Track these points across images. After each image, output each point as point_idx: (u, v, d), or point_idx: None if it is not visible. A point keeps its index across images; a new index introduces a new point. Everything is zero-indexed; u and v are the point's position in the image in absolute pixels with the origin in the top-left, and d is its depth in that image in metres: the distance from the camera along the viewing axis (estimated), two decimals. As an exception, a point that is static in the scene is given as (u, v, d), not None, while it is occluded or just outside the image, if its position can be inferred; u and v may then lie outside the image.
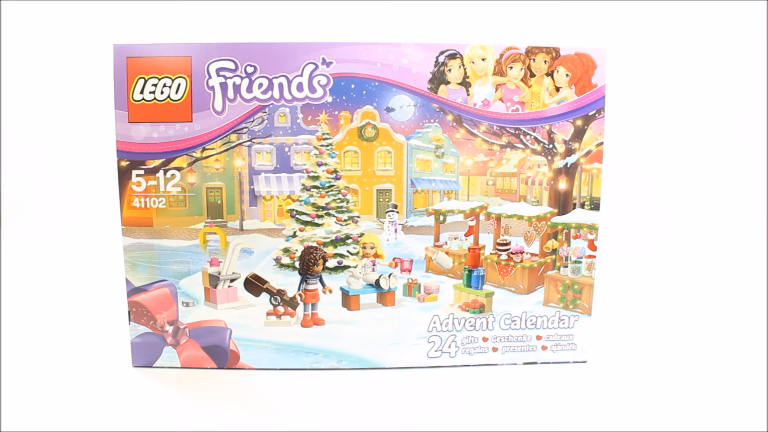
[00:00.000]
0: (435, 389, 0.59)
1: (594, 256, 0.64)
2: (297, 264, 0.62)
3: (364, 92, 0.59)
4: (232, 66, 0.58)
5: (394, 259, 0.63)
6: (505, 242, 0.64)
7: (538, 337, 0.64)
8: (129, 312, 0.62)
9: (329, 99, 0.59)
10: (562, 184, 0.62)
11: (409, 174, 0.63)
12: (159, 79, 0.58)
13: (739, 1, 1.02)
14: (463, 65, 0.60)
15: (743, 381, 0.61)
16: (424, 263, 0.63)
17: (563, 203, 0.63)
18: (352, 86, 0.59)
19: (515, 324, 0.64)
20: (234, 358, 0.62)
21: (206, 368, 0.63)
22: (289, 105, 0.59)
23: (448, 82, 0.60)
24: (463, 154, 0.62)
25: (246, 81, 0.58)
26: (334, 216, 0.62)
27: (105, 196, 0.85)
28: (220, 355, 0.62)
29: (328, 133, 0.60)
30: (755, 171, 1.07)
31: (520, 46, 0.60)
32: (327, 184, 0.62)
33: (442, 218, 0.63)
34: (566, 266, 0.64)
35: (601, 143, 0.62)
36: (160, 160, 0.59)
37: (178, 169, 0.60)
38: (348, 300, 0.63)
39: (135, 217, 0.60)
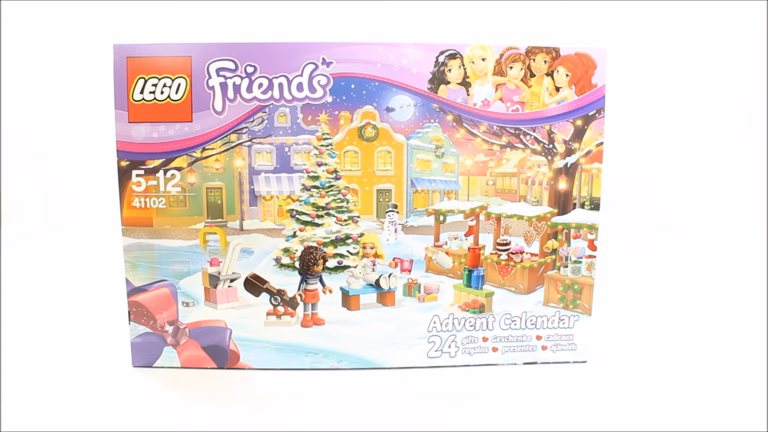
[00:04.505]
0: (435, 389, 0.59)
1: (594, 256, 0.64)
2: (297, 264, 0.62)
3: (364, 92, 0.59)
4: (232, 66, 0.58)
5: (394, 259, 0.63)
6: (505, 242, 0.64)
7: (538, 337, 0.64)
8: (129, 312, 0.62)
9: (329, 99, 0.59)
10: (562, 184, 0.62)
11: (409, 174, 0.63)
12: (159, 79, 0.58)
13: (739, 1, 1.02)
14: (463, 65, 0.60)
15: (743, 381, 0.61)
16: (424, 263, 0.63)
17: (563, 203, 0.63)
18: (352, 86, 0.59)
19: (515, 324, 0.64)
20: (234, 358, 0.62)
21: (206, 368, 0.63)
22: (289, 105, 0.59)
23: (448, 82, 0.60)
24: (463, 154, 0.62)
25: (246, 81, 0.58)
26: (334, 216, 0.62)
27: (105, 196, 0.85)
28: (220, 355, 0.62)
29: (328, 133, 0.60)
30: (755, 171, 1.07)
31: (520, 46, 0.60)
32: (327, 184, 0.62)
33: (442, 218, 0.63)
34: (566, 266, 0.64)
35: (601, 143, 0.62)
36: (160, 160, 0.59)
37: (178, 169, 0.60)
38: (348, 300, 0.63)
39: (135, 217, 0.60)
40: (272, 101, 0.59)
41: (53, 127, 1.08)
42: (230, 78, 0.58)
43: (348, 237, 0.63)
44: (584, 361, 0.65)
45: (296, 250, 0.62)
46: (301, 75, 0.59)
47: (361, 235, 0.63)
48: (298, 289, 0.62)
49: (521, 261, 0.64)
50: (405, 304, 0.63)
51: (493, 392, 0.59)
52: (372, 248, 0.63)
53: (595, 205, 0.63)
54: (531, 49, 0.60)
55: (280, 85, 0.59)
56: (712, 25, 1.03)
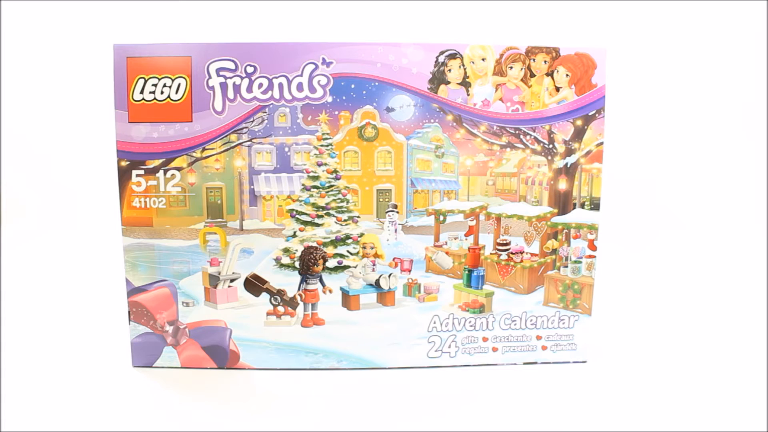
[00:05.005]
0: (435, 389, 0.59)
1: (594, 256, 0.64)
2: (297, 264, 0.62)
3: (364, 92, 0.59)
4: (232, 66, 0.58)
5: (394, 259, 0.63)
6: (505, 242, 0.64)
7: (538, 337, 0.64)
8: (129, 312, 0.62)
9: (329, 99, 0.59)
10: (562, 184, 0.62)
11: (409, 174, 0.63)
12: (159, 79, 0.58)
13: (739, 1, 1.02)
14: (463, 65, 0.60)
15: (743, 381, 0.61)
16: (424, 263, 0.63)
17: (563, 203, 0.63)
18: (352, 86, 0.59)
19: (515, 324, 0.64)
20: (234, 358, 0.62)
21: (206, 368, 0.63)
22: (289, 105, 0.59)
23: (448, 82, 0.60)
24: (463, 154, 0.62)
25: (246, 81, 0.58)
26: (334, 216, 0.62)
27: (105, 196, 0.85)
28: (220, 355, 0.62)
29: (328, 133, 0.60)
30: (755, 171, 1.07)
31: (520, 46, 0.60)
32: (327, 184, 0.62)
33: (442, 218, 0.63)
34: (566, 266, 0.64)
35: (601, 143, 0.62)
36: (160, 160, 0.59)
37: (178, 169, 0.60)
38: (348, 300, 0.63)
39: (135, 217, 0.60)
40: (272, 101, 0.59)
41: (53, 127, 1.08)
42: (230, 78, 0.58)
43: (348, 237, 0.63)
44: (584, 361, 0.65)
45: (296, 250, 0.62)
46: (301, 75, 0.59)
47: (361, 235, 0.63)
48: (298, 289, 0.62)
49: (521, 261, 0.64)
50: (405, 304, 0.63)
51: (493, 392, 0.59)
52: (372, 248, 0.63)
53: (595, 205, 0.63)
54: (531, 49, 0.60)
55: (280, 85, 0.59)
56: (712, 25, 1.03)
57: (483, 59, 0.60)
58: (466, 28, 1.00)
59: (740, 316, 0.78)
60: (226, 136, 0.59)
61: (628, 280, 0.90)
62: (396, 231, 0.62)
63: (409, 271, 0.63)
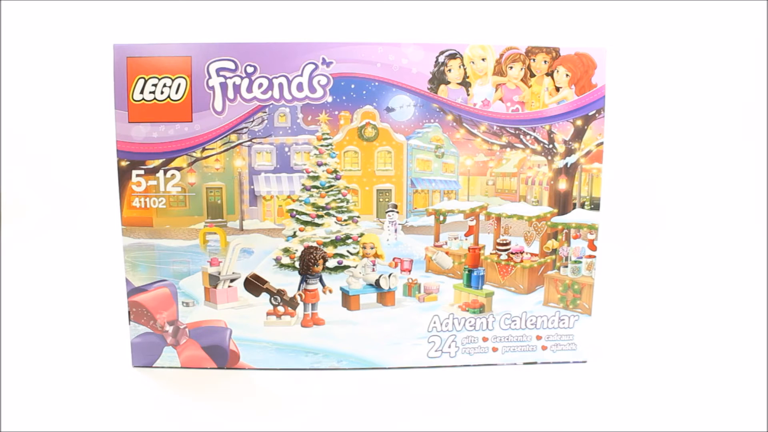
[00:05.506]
0: (435, 389, 0.59)
1: (594, 256, 0.64)
2: (297, 264, 0.62)
3: (364, 92, 0.59)
4: (232, 66, 0.58)
5: (394, 259, 0.63)
6: (505, 242, 0.64)
7: (538, 337, 0.64)
8: (129, 312, 0.62)
9: (329, 99, 0.59)
10: (562, 184, 0.62)
11: (409, 174, 0.63)
12: (159, 79, 0.58)
13: (739, 1, 1.02)
14: (463, 65, 0.60)
15: (743, 381, 0.61)
16: (424, 263, 0.63)
17: (563, 203, 0.63)
18: (352, 86, 0.59)
19: (515, 324, 0.64)
20: (234, 358, 0.62)
21: (206, 368, 0.63)
22: (289, 105, 0.59)
23: (448, 82, 0.60)
24: (463, 154, 0.62)
25: (246, 81, 0.58)
26: (334, 216, 0.62)
27: (105, 196, 0.85)
28: (220, 355, 0.62)
29: (328, 133, 0.60)
30: (755, 171, 1.07)
31: (520, 46, 0.60)
32: (327, 184, 0.62)
33: (442, 218, 0.63)
34: (566, 266, 0.64)
35: (601, 143, 0.62)
36: (160, 160, 0.59)
37: (178, 169, 0.60)
38: (348, 300, 0.63)
39: (135, 217, 0.60)
40: (272, 101, 0.59)
41: (53, 127, 1.08)
42: (230, 78, 0.58)
43: (348, 237, 0.63)
44: (584, 361, 0.65)
45: (296, 250, 0.62)
46: (301, 75, 0.59)
47: (361, 235, 0.63)
48: (298, 289, 0.62)
49: (521, 261, 0.64)
50: (405, 304, 0.63)
51: (493, 392, 0.59)
52: (372, 248, 0.63)
53: (595, 205, 0.63)
54: (531, 49, 0.60)
55: (280, 85, 0.59)
56: (712, 25, 1.03)
57: (483, 59, 0.60)
58: (466, 28, 1.00)
59: (740, 315, 0.78)
60: (226, 136, 0.59)
61: (628, 280, 0.90)
62: (396, 231, 0.62)
63: (409, 271, 0.63)
